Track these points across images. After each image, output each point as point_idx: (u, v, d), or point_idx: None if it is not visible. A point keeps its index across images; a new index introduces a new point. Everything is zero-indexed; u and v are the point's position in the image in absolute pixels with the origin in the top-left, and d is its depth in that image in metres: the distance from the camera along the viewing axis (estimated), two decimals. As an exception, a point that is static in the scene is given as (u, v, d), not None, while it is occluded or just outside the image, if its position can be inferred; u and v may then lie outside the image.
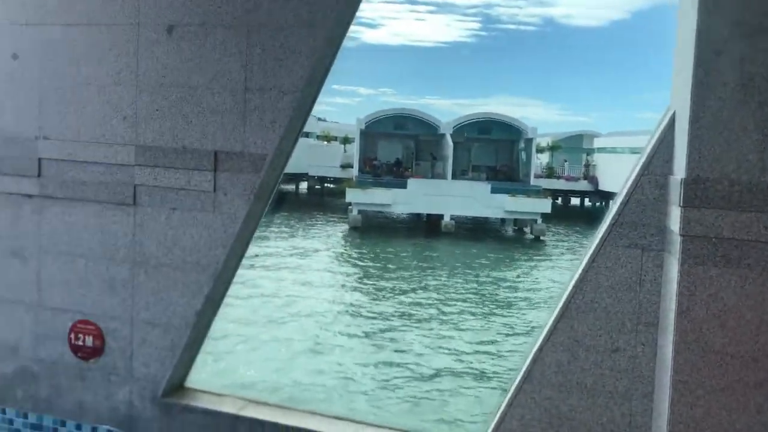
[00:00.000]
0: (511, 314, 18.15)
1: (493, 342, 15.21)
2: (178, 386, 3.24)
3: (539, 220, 33.66)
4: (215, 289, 3.10)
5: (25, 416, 3.44)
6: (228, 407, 3.11)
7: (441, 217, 34.15)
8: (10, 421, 3.48)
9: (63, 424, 3.35)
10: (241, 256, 3.19)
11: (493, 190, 34.03)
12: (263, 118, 3.00)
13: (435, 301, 18.97)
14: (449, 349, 14.38)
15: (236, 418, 3.05)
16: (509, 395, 2.68)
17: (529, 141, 37.91)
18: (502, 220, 37.37)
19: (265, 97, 3.00)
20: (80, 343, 3.28)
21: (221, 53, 3.05)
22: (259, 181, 3.02)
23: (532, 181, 37.54)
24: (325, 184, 50.91)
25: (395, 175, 37.79)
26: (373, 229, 33.41)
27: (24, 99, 3.38)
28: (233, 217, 3.05)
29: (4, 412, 3.48)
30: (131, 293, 3.20)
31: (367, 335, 15.15)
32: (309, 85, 3.01)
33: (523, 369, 2.65)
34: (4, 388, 3.46)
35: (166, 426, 3.16)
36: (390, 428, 3.00)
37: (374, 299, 19.04)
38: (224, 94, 3.05)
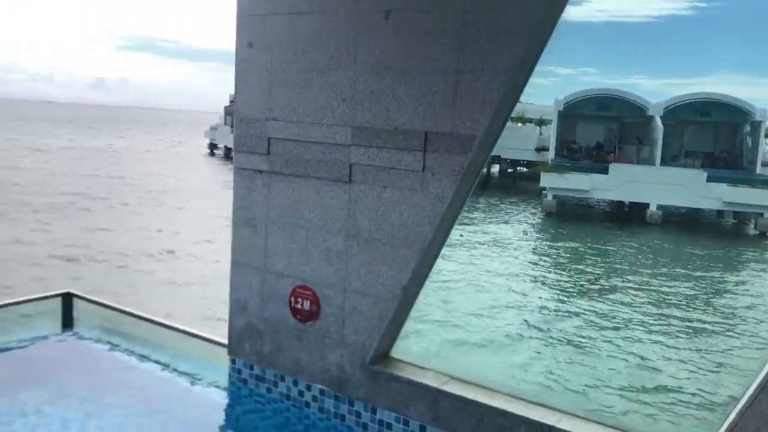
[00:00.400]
0: (731, 324, 16.13)
1: (707, 358, 13.61)
2: (384, 355, 3.40)
3: (766, 214, 29.76)
4: (421, 265, 3.20)
5: (251, 368, 3.87)
6: (431, 380, 3.20)
7: (646, 206, 31.70)
8: (239, 371, 3.93)
9: (282, 378, 3.72)
10: (447, 235, 3.25)
11: (710, 179, 30.70)
12: (474, 99, 3.00)
13: (638, 302, 17.57)
14: (652, 358, 13.20)
15: (438, 392, 3.14)
16: (741, 405, 2.41)
17: (757, 124, 33.56)
18: (719, 212, 33.67)
19: (477, 77, 2.99)
20: (299, 306, 3.60)
21: (435, 36, 3.09)
22: (467, 162, 3.04)
23: (759, 170, 33.24)
24: (518, 168, 49.87)
25: (595, 159, 35.78)
26: (569, 216, 32.06)
27: (257, 83, 3.74)
28: (440, 196, 3.11)
29: (234, 362, 3.95)
30: (345, 264, 3.42)
31: (560, 333, 14.52)
32: (521, 66, 2.94)
33: (760, 377, 2.36)
34: (236, 341, 3.91)
35: (372, 391, 3.35)
36: (598, 422, 2.87)
37: (569, 294, 18.23)
38: (436, 76, 3.10)
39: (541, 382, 11.46)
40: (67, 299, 4.96)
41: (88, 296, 5.02)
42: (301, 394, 3.64)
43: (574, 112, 37.39)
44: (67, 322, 4.94)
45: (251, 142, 3.77)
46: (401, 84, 3.20)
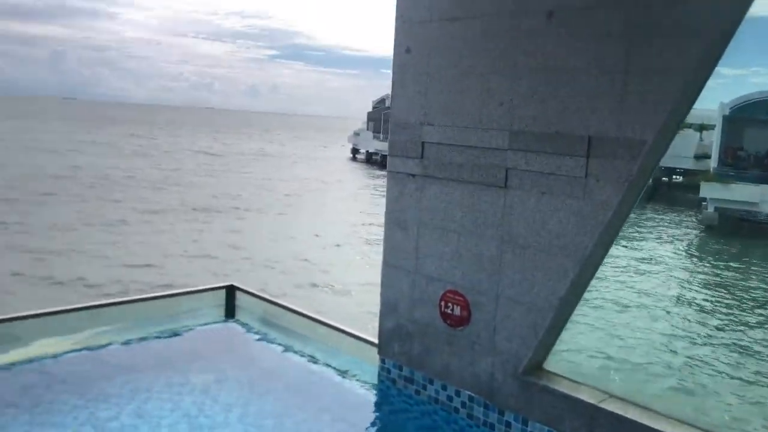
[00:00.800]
0: None
1: None
2: (537, 366, 3.30)
3: None
4: (581, 275, 3.06)
5: (400, 369, 3.92)
6: (587, 396, 3.05)
7: (829, 222, 28.18)
8: (388, 371, 4.00)
9: (431, 382, 3.73)
10: (609, 245, 3.09)
11: None
12: (644, 102, 2.83)
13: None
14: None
15: (596, 409, 2.98)
16: None
17: None
18: None
19: (649, 79, 2.81)
20: (449, 311, 3.59)
21: (602, 35, 2.96)
22: (636, 168, 2.86)
23: None
24: (673, 177, 46.44)
25: (766, 168, 32.42)
26: (732, 231, 29.17)
27: (412, 89, 3.80)
28: (604, 204, 2.96)
29: (383, 362, 4.03)
30: (497, 270, 3.36)
31: (721, 364, 13.06)
32: (699, 67, 2.73)
33: None
34: (386, 341, 3.99)
35: (524, 402, 3.26)
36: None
37: (732, 322, 16.46)
38: (602, 78, 2.96)
39: (694, 416, 10.48)
40: (230, 291, 5.36)
41: (248, 289, 5.37)
42: (449, 399, 3.63)
43: (742, 116, 34.10)
44: (230, 312, 5.33)
45: (405, 146, 3.83)
46: (563, 86, 3.09)
